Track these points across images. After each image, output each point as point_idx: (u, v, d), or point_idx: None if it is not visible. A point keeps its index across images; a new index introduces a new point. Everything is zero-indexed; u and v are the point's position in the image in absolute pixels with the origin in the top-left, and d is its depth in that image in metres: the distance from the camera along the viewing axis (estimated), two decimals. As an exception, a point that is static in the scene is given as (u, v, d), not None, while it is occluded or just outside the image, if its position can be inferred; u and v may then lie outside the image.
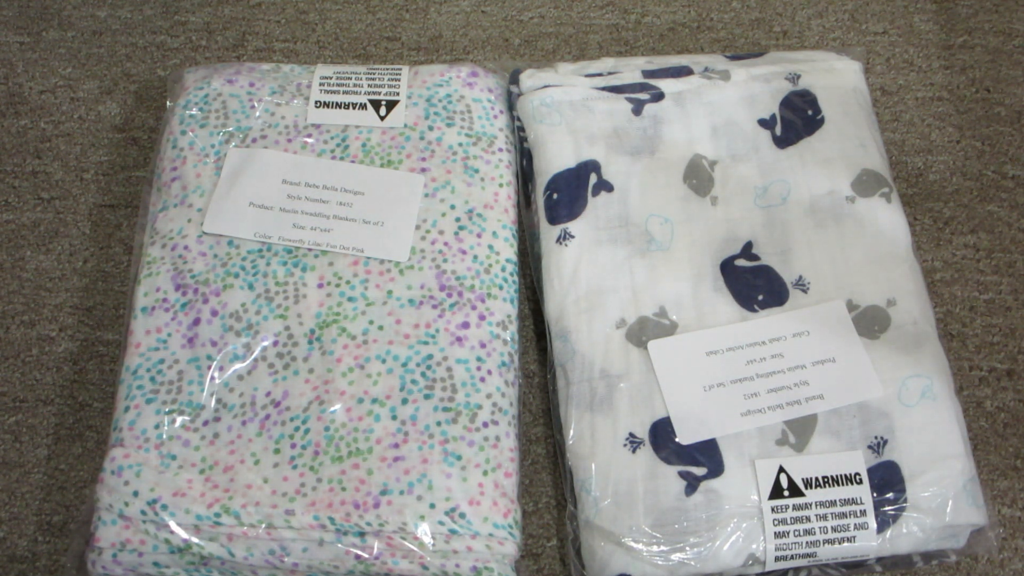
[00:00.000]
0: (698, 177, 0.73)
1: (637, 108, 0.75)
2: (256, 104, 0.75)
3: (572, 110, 0.74)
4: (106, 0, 0.89)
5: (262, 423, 0.64)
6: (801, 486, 0.63)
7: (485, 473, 0.63)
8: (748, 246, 0.71)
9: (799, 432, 0.65)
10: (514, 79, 0.77)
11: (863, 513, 0.62)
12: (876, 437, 0.64)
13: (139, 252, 0.71)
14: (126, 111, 0.84)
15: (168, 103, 0.77)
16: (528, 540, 0.68)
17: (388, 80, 0.76)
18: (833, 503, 0.63)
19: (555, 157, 0.73)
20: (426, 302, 0.68)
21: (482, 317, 0.68)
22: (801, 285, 0.69)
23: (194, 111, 0.75)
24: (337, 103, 0.75)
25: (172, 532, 0.61)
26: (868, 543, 0.62)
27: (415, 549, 0.60)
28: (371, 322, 0.67)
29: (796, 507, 0.62)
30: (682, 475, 0.63)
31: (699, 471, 0.63)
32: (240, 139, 0.73)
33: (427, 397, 0.64)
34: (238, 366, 0.66)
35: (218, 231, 0.70)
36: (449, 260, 0.69)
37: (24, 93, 0.84)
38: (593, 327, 0.68)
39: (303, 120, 0.74)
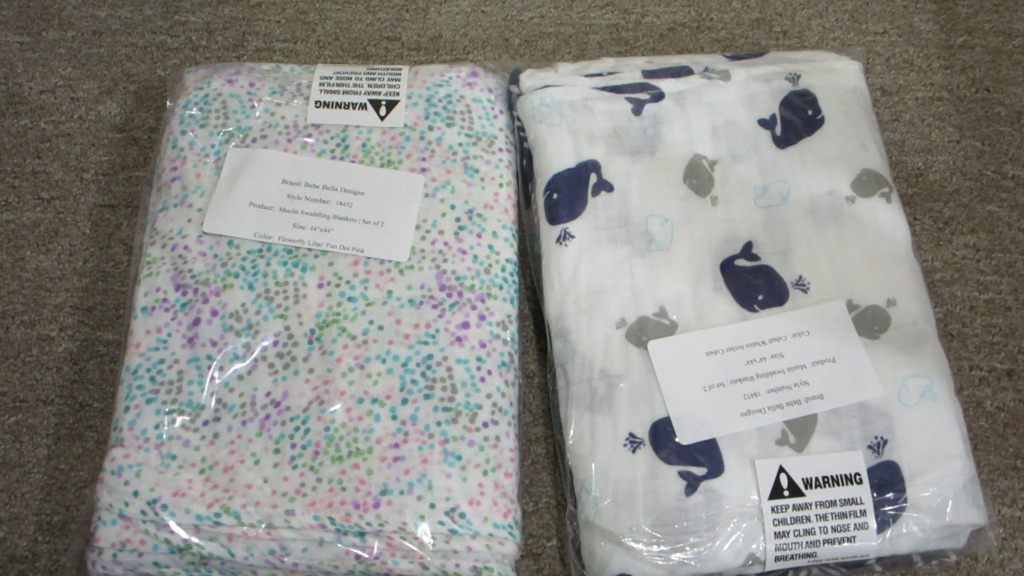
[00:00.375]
0: (698, 177, 0.73)
1: (637, 108, 0.75)
2: (256, 104, 0.75)
3: (572, 110, 0.74)
4: (106, 0, 0.89)
5: (262, 423, 0.64)
6: (801, 486, 0.63)
7: (485, 473, 0.63)
8: (748, 246, 0.71)
9: (799, 432, 0.65)
10: (514, 79, 0.77)
11: (863, 513, 0.62)
12: (876, 437, 0.64)
13: (139, 252, 0.71)
14: (126, 111, 0.84)
15: (168, 103, 0.77)
16: (528, 540, 0.68)
17: (388, 80, 0.76)
18: (833, 503, 0.63)
19: (555, 157, 0.73)
20: (426, 302, 0.68)
21: (482, 317, 0.68)
22: (801, 285, 0.69)
23: (194, 111, 0.75)
24: (337, 103, 0.75)
25: (172, 532, 0.61)
26: (868, 543, 0.62)
27: (415, 549, 0.60)
28: (371, 322, 0.67)
29: (796, 507, 0.62)
30: (682, 475, 0.63)
31: (699, 471, 0.63)
32: (240, 139, 0.73)
33: (427, 397, 0.65)
34: (238, 366, 0.66)
35: (218, 231, 0.70)
36: (449, 260, 0.69)
37: (24, 93, 0.84)
38: (593, 327, 0.68)
39: (303, 120, 0.74)
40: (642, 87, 0.76)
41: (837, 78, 0.76)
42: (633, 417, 0.65)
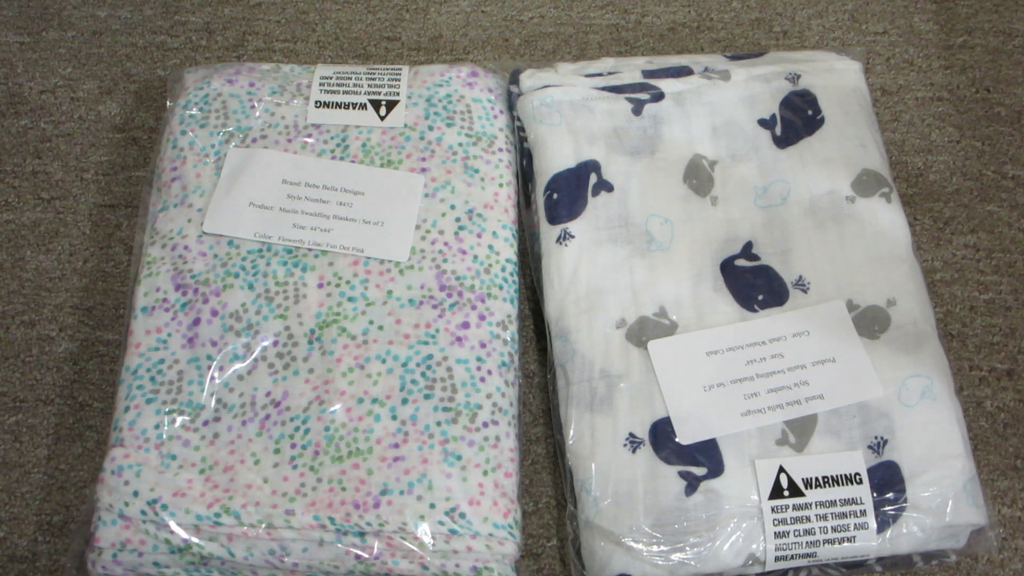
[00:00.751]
0: (698, 177, 0.73)
1: (637, 108, 0.75)
2: (256, 104, 0.75)
3: (572, 110, 0.74)
4: (106, 0, 0.89)
5: (262, 423, 0.64)
6: (801, 486, 0.63)
7: (485, 473, 0.63)
8: (748, 246, 0.71)
9: (799, 432, 0.65)
10: (514, 79, 0.77)
11: (863, 513, 0.62)
12: (876, 437, 0.64)
13: (139, 252, 0.71)
14: (126, 111, 0.84)
15: (168, 103, 0.77)
16: (528, 540, 0.68)
17: (388, 80, 0.76)
18: (833, 503, 0.63)
19: (555, 157, 0.73)
20: (426, 302, 0.68)
21: (482, 317, 0.68)
22: (801, 285, 0.69)
23: (194, 111, 0.75)
24: (337, 103, 0.75)
25: (172, 532, 0.61)
26: (868, 543, 0.62)
27: (415, 549, 0.60)
28: (371, 322, 0.67)
29: (796, 507, 0.62)
30: (682, 475, 0.63)
31: (699, 471, 0.63)
32: (240, 139, 0.73)
33: (427, 397, 0.64)
34: (238, 366, 0.66)
35: (218, 231, 0.70)
36: (449, 260, 0.69)
37: (24, 93, 0.84)
38: (593, 327, 0.68)
39: (303, 120, 0.74)
40: (642, 87, 0.76)
41: (837, 78, 0.76)
42: (633, 417, 0.65)
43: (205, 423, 0.64)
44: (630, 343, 0.67)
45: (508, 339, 0.68)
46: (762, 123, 0.75)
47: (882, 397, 0.65)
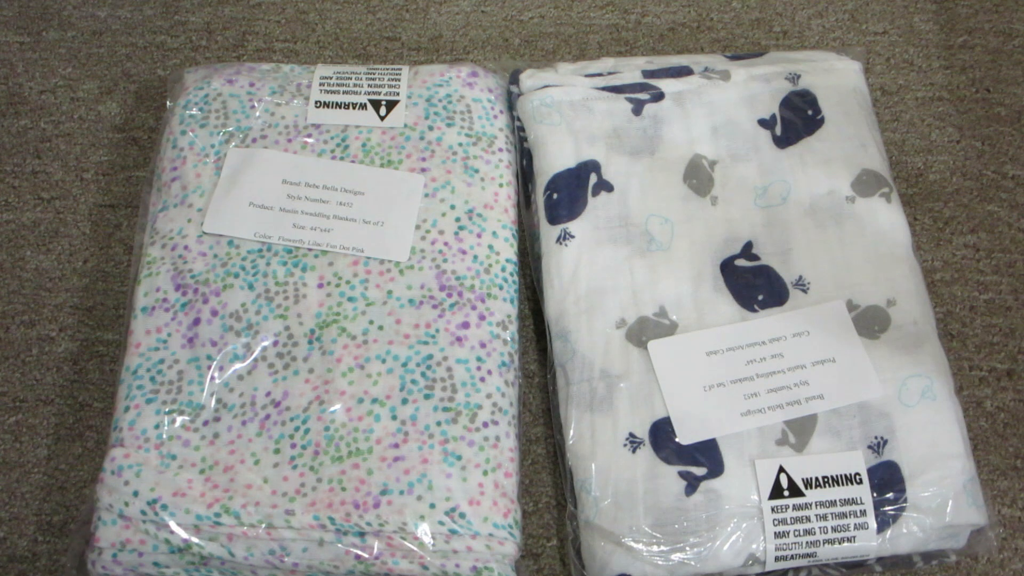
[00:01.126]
0: (698, 177, 0.73)
1: (637, 108, 0.75)
2: (256, 104, 0.75)
3: (572, 110, 0.74)
4: (106, 0, 0.89)
5: (262, 423, 0.64)
6: (801, 486, 0.63)
7: (485, 473, 0.63)
8: (748, 246, 0.71)
9: (799, 432, 0.65)
10: (514, 79, 0.77)
11: (863, 513, 0.62)
12: (876, 437, 0.64)
13: (139, 252, 0.71)
14: (126, 111, 0.84)
15: (168, 103, 0.77)
16: (528, 540, 0.68)
17: (388, 80, 0.76)
18: (833, 503, 0.63)
19: (555, 157, 0.73)
20: (426, 302, 0.68)
21: (482, 317, 0.68)
22: (801, 285, 0.69)
23: (194, 111, 0.75)
24: (337, 103, 0.75)
25: (172, 532, 0.61)
26: (868, 543, 0.62)
27: (415, 549, 0.60)
28: (371, 322, 0.67)
29: (796, 507, 0.62)
30: (682, 475, 0.63)
31: (699, 471, 0.63)
32: (240, 139, 0.73)
33: (427, 397, 0.65)
34: (238, 366, 0.66)
35: (218, 231, 0.70)
36: (449, 260, 0.69)
37: (24, 93, 0.84)
38: (593, 327, 0.68)
39: (303, 120, 0.74)
40: (642, 87, 0.76)
41: (837, 78, 0.76)
42: (633, 417, 0.65)
43: (205, 423, 0.64)
44: (630, 343, 0.67)
45: (508, 339, 0.68)
46: (762, 123, 0.75)
47: (882, 397, 0.65)
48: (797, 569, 0.64)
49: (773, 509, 0.62)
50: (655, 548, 0.62)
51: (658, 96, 0.75)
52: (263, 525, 0.61)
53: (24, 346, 0.74)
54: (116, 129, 0.83)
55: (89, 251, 0.78)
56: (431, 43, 0.87)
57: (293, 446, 0.63)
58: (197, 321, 0.67)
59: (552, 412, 0.69)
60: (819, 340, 0.67)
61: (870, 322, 0.68)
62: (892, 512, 0.63)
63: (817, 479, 0.63)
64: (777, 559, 0.62)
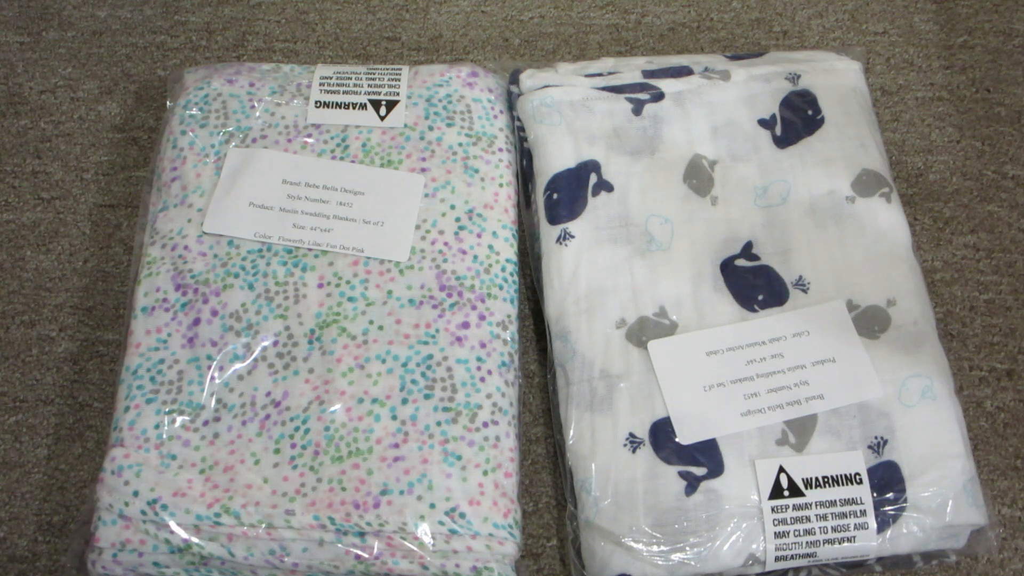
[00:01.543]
0: (698, 177, 0.73)
1: (637, 108, 0.75)
2: (256, 104, 0.75)
3: (572, 110, 0.74)
4: (106, 0, 0.89)
5: (262, 423, 0.64)
6: (801, 486, 0.63)
7: (485, 473, 0.63)
8: (748, 246, 0.71)
9: (799, 432, 0.65)
10: (514, 79, 0.77)
11: (863, 513, 0.62)
12: (876, 437, 0.64)
13: (139, 252, 0.71)
14: (126, 111, 0.84)
15: (168, 103, 0.77)
16: (528, 540, 0.68)
17: (388, 80, 0.76)
18: (833, 503, 0.63)
19: (555, 157, 0.73)
20: (426, 302, 0.68)
21: (482, 317, 0.68)
22: (801, 285, 0.69)
23: (194, 111, 0.75)
24: (337, 103, 0.75)
25: (172, 532, 0.61)
26: (868, 543, 0.62)
27: (415, 549, 0.60)
28: (371, 322, 0.67)
29: (796, 507, 0.62)
30: (682, 475, 0.63)
31: (699, 471, 0.63)
32: (240, 139, 0.73)
33: (427, 397, 0.65)
34: (238, 366, 0.66)
35: (218, 231, 0.70)
36: (449, 260, 0.69)
37: (24, 93, 0.84)
38: (593, 327, 0.68)
39: (303, 120, 0.74)
40: (642, 87, 0.76)
41: (837, 78, 0.76)
42: (633, 417, 0.65)
43: (205, 423, 0.64)
44: (630, 343, 0.67)
45: (508, 339, 0.68)
46: (762, 123, 0.75)
47: (882, 397, 0.65)
48: (797, 569, 0.64)
49: (773, 509, 0.62)
50: (655, 548, 0.62)
51: (658, 96, 0.75)
52: (263, 525, 0.61)
53: (24, 346, 0.74)
54: (116, 129, 0.83)
55: (89, 251, 0.78)
56: (431, 43, 0.87)
57: (293, 446, 0.63)
58: (197, 321, 0.67)
59: (552, 412, 0.69)
60: (819, 340, 0.67)
61: (870, 322, 0.68)
62: (892, 512, 0.63)
63: (817, 479, 0.63)
64: (777, 559, 0.62)
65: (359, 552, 0.61)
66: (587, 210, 0.71)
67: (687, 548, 0.62)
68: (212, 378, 0.65)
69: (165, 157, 0.74)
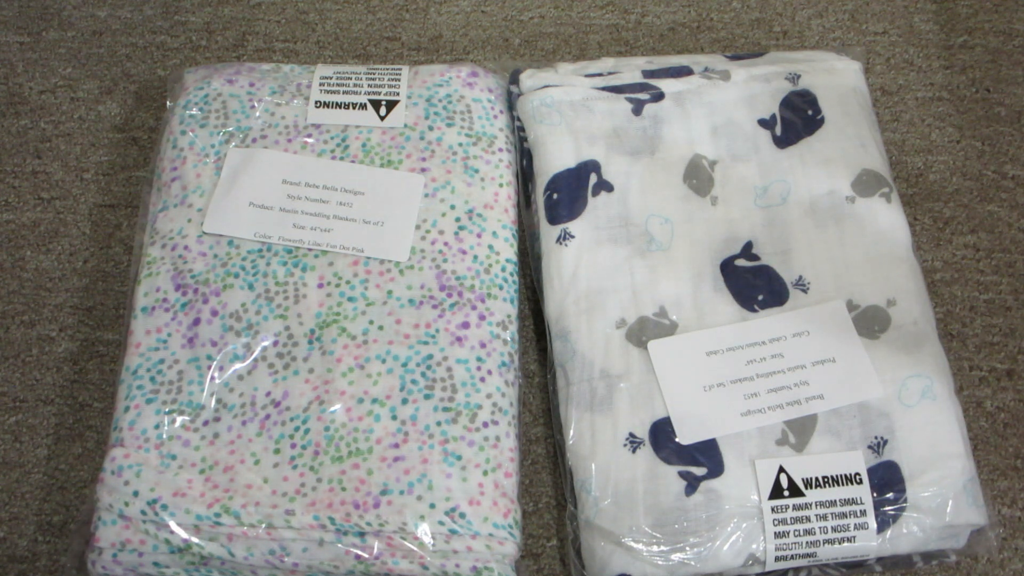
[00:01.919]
0: (698, 177, 0.73)
1: (637, 108, 0.75)
2: (256, 104, 0.75)
3: (572, 110, 0.74)
4: (106, 0, 0.89)
5: (262, 423, 0.64)
6: (801, 486, 0.63)
7: (485, 473, 0.63)
8: (748, 246, 0.71)
9: (799, 432, 0.65)
10: (514, 79, 0.77)
11: (863, 513, 0.62)
12: (876, 437, 0.64)
13: (139, 252, 0.71)
14: (126, 111, 0.84)
15: (168, 103, 0.77)
16: (528, 540, 0.68)
17: (388, 80, 0.76)
18: (833, 503, 0.63)
19: (555, 157, 0.73)
20: (426, 302, 0.68)
21: (482, 317, 0.68)
22: (801, 285, 0.69)
23: (194, 111, 0.75)
24: (337, 103, 0.75)
25: (172, 532, 0.61)
26: (868, 543, 0.62)
27: (415, 549, 0.60)
28: (371, 322, 0.67)
29: (796, 507, 0.62)
30: (682, 475, 0.63)
31: (699, 471, 0.63)
32: (240, 139, 0.73)
33: (427, 397, 0.65)
34: (238, 366, 0.66)
35: (218, 231, 0.70)
36: (449, 260, 0.69)
37: (24, 93, 0.84)
38: (593, 327, 0.68)
39: (303, 120, 0.74)
40: (642, 87, 0.76)
41: (837, 78, 0.76)
42: (633, 417, 0.65)
43: (205, 423, 0.64)
44: (630, 343, 0.67)
45: (508, 339, 0.68)
46: (762, 123, 0.75)
47: (882, 397, 0.65)
48: (797, 569, 0.64)
49: (773, 509, 0.62)
50: (655, 548, 0.62)
51: (658, 96, 0.75)
52: (263, 525, 0.61)
53: (24, 346, 0.74)
54: (116, 129, 0.83)
55: (89, 251, 0.78)
56: (431, 43, 0.87)
57: (293, 446, 0.63)
58: (197, 321, 0.67)
59: (552, 412, 0.69)
60: (819, 340, 0.67)
61: (870, 322, 0.68)
62: (892, 512, 0.63)
63: (817, 479, 0.63)
64: (777, 559, 0.62)
65: (359, 552, 0.61)
66: (587, 210, 0.71)
67: (687, 548, 0.62)
68: (212, 378, 0.65)
69: (165, 157, 0.74)
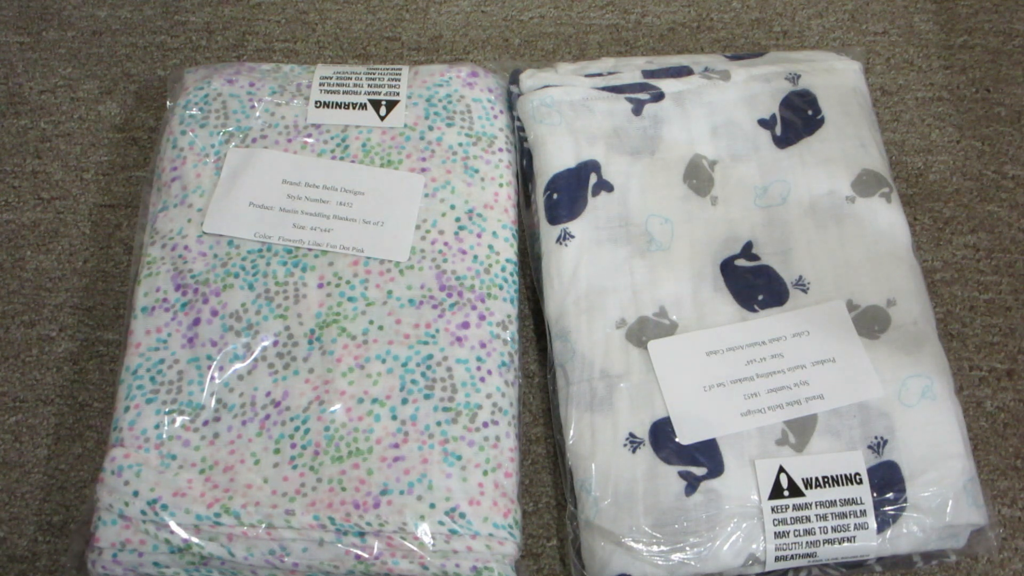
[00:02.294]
0: (698, 177, 0.73)
1: (637, 108, 0.75)
2: (256, 104, 0.75)
3: (572, 110, 0.74)
4: (106, 0, 0.89)
5: (262, 423, 0.64)
6: (801, 486, 0.63)
7: (485, 473, 0.63)
8: (748, 246, 0.71)
9: (799, 432, 0.65)
10: (514, 79, 0.77)
11: (863, 513, 0.62)
12: (876, 437, 0.64)
13: (139, 252, 0.71)
14: (126, 111, 0.84)
15: (168, 103, 0.77)
16: (528, 540, 0.68)
17: (388, 80, 0.76)
18: (833, 503, 0.63)
19: (555, 157, 0.73)
20: (426, 302, 0.68)
21: (482, 317, 0.68)
22: (801, 285, 0.69)
23: (194, 111, 0.75)
24: (337, 103, 0.75)
25: (172, 532, 0.61)
26: (868, 543, 0.62)
27: (415, 549, 0.60)
28: (371, 322, 0.67)
29: (796, 507, 0.62)
30: (682, 475, 0.63)
31: (699, 471, 0.63)
32: (240, 139, 0.73)
33: (427, 397, 0.65)
34: (238, 366, 0.66)
35: (218, 231, 0.70)
36: (449, 260, 0.69)
37: (24, 93, 0.84)
38: (593, 327, 0.68)
39: (303, 120, 0.74)
40: (642, 87, 0.76)
41: (837, 78, 0.76)
42: (633, 417, 0.65)
43: (205, 423, 0.64)
44: (630, 343, 0.67)
45: (508, 339, 0.68)
46: (762, 123, 0.75)
47: (882, 397, 0.65)
48: (797, 569, 0.64)
49: (773, 509, 0.62)
50: (655, 548, 0.62)
51: (658, 96, 0.75)
52: (263, 525, 0.61)
53: (24, 346, 0.74)
54: (116, 129, 0.83)
55: (89, 251, 0.78)
56: (431, 43, 0.87)
57: (293, 446, 0.63)
58: (197, 321, 0.67)
59: (552, 412, 0.69)
60: (819, 340, 0.67)
61: (870, 322, 0.68)
62: (892, 512, 0.63)
63: (817, 479, 0.63)
64: (777, 559, 0.62)
65: (359, 552, 0.61)
66: (587, 210, 0.71)
67: (687, 548, 0.62)
68: (212, 378, 0.65)
69: (165, 157, 0.74)
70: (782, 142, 0.74)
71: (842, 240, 0.70)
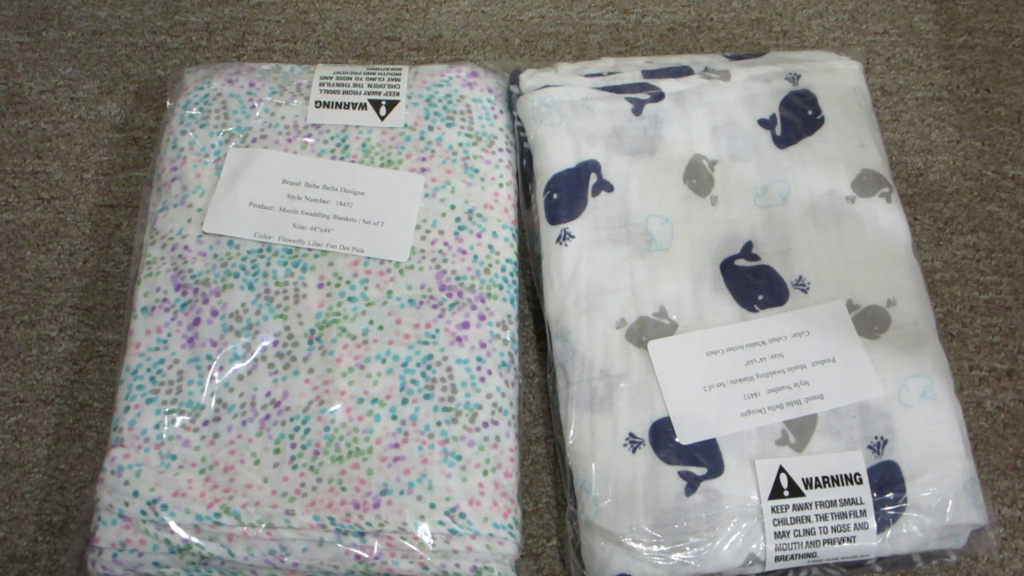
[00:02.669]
0: (698, 177, 0.73)
1: (637, 108, 0.75)
2: (256, 104, 0.75)
3: (572, 110, 0.74)
4: (106, 0, 0.89)
5: (262, 423, 0.64)
6: (801, 486, 0.63)
7: (485, 473, 0.63)
8: (748, 246, 0.71)
9: (799, 432, 0.65)
10: (514, 79, 0.77)
11: (863, 513, 0.62)
12: (876, 437, 0.64)
13: (139, 252, 0.71)
14: (126, 111, 0.84)
15: (168, 103, 0.77)
16: (528, 540, 0.68)
17: (388, 80, 0.76)
18: (833, 503, 0.63)
19: (555, 157, 0.73)
20: (426, 302, 0.68)
21: (482, 317, 0.68)
22: (801, 285, 0.69)
23: (194, 111, 0.75)
24: (337, 103, 0.75)
25: (172, 532, 0.61)
26: (868, 543, 0.62)
27: (415, 549, 0.60)
28: (371, 322, 0.67)
29: (796, 507, 0.62)
30: (682, 475, 0.63)
31: (699, 471, 0.63)
32: (240, 139, 0.73)
33: (427, 397, 0.65)
34: (238, 366, 0.66)
35: (218, 231, 0.70)
36: (449, 260, 0.69)
37: (24, 93, 0.84)
38: (593, 327, 0.68)
39: (303, 120, 0.74)
40: (642, 87, 0.76)
41: (837, 78, 0.76)
42: (633, 417, 0.65)
43: (205, 423, 0.64)
44: (630, 343, 0.67)
45: (508, 339, 0.68)
46: (762, 123, 0.75)
47: (882, 397, 0.65)
48: (797, 569, 0.64)
49: (773, 509, 0.62)
50: (655, 548, 0.62)
51: (658, 96, 0.75)
52: (263, 525, 0.61)
53: (24, 346, 0.74)
54: (116, 129, 0.83)
55: (89, 251, 0.78)
56: (431, 43, 0.87)
57: (293, 446, 0.63)
58: (197, 321, 0.67)
59: (552, 412, 0.69)
60: (819, 340, 0.67)
61: (870, 322, 0.68)
62: (892, 512, 0.63)
63: (817, 479, 0.63)
64: (777, 559, 0.62)
65: (359, 552, 0.61)
66: (587, 210, 0.71)
67: (687, 548, 0.62)
68: (212, 378, 0.65)
69: (165, 157, 0.74)
70: (782, 142, 0.74)
71: (842, 240, 0.70)
